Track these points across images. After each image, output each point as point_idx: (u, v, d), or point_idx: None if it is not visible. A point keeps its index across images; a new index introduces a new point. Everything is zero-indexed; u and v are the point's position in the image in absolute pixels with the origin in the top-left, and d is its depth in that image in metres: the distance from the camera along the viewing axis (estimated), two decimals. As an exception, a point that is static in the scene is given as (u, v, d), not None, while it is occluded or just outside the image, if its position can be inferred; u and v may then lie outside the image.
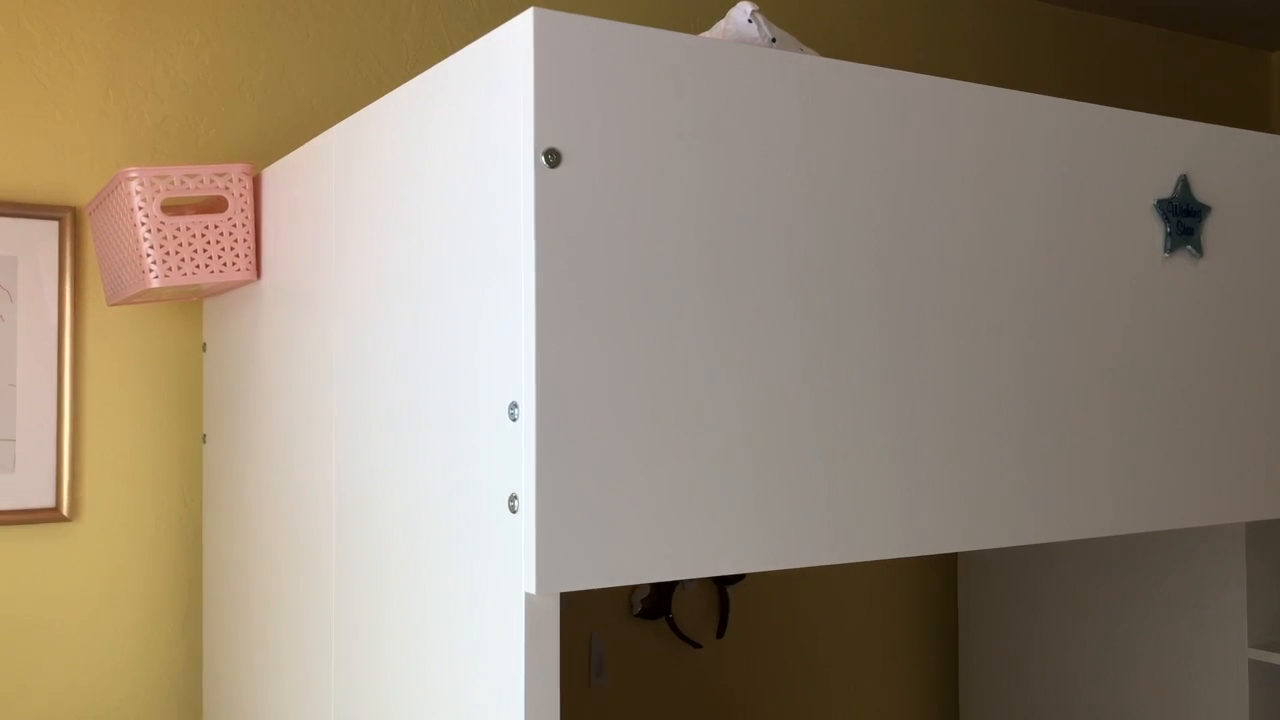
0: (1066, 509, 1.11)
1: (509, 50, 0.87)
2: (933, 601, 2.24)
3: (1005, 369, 1.07)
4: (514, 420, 0.86)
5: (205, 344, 1.61)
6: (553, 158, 0.85)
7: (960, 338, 1.05)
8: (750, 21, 1.05)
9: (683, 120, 0.91)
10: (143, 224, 1.30)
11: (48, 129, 1.56)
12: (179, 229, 1.32)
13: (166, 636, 1.61)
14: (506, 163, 0.87)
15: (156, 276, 1.31)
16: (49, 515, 1.54)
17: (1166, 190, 1.18)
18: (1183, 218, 1.18)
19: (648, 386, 0.89)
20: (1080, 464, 1.12)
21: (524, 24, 0.85)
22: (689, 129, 0.91)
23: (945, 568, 2.25)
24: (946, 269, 1.04)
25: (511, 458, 0.86)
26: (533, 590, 0.84)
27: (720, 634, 1.98)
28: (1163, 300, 1.18)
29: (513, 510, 0.86)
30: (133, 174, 1.30)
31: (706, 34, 1.09)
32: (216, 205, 1.37)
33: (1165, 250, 1.18)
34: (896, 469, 1.00)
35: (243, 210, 1.36)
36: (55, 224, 1.55)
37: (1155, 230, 1.18)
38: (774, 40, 1.05)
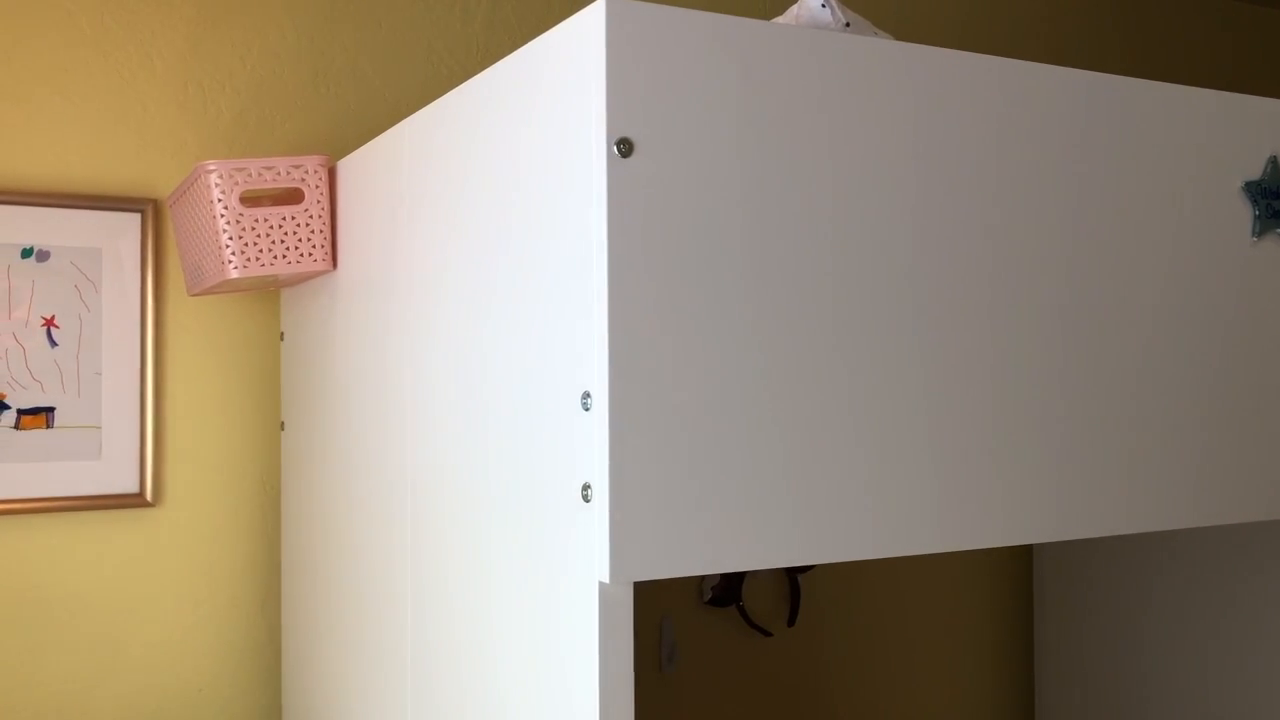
0: (1150, 499, 1.08)
1: (581, 40, 0.87)
2: (1007, 592, 2.21)
3: (1092, 356, 1.05)
4: (587, 410, 0.86)
5: (283, 333, 1.64)
6: (625, 147, 0.85)
7: (1045, 322, 1.03)
8: (824, 6, 1.04)
9: (756, 108, 0.90)
10: (222, 215, 1.33)
11: (129, 122, 1.59)
12: (257, 220, 1.34)
13: (247, 619, 1.65)
14: (579, 153, 0.87)
15: (236, 267, 1.34)
16: (133, 500, 1.58)
17: (1255, 172, 1.15)
18: (1273, 200, 1.15)
19: (721, 375, 0.88)
20: (1167, 453, 1.09)
21: (596, 13, 0.85)
22: (763, 116, 0.90)
23: (1020, 558, 2.22)
24: (1030, 254, 1.02)
25: (584, 447, 0.86)
26: (606, 580, 0.84)
27: (791, 623, 1.97)
28: (1251, 285, 1.14)
29: (586, 500, 0.86)
30: (212, 166, 1.32)
31: (779, 19, 1.08)
32: (293, 197, 1.39)
33: (1254, 234, 1.14)
34: (973, 461, 0.99)
35: (319, 201, 1.38)
36: (137, 216, 1.58)
37: (1243, 213, 1.14)
38: (848, 25, 1.04)
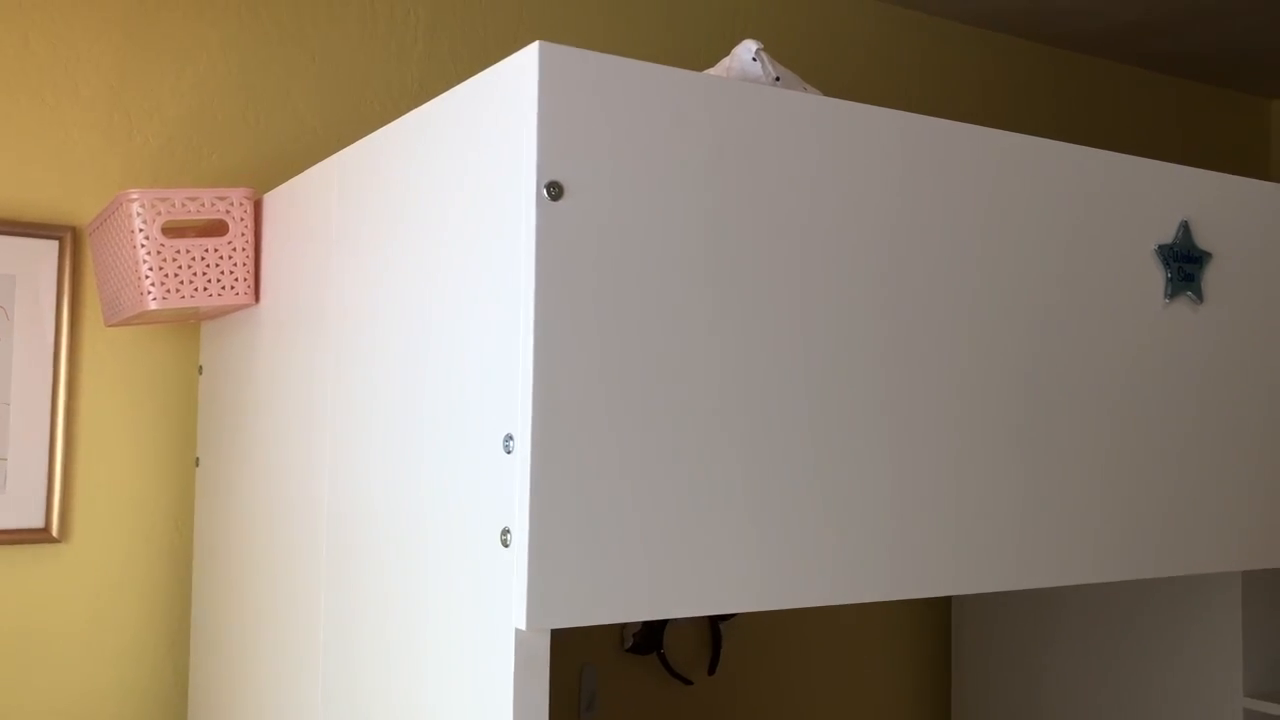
0: (1062, 554, 1.10)
1: (514, 82, 0.87)
2: (926, 641, 2.22)
3: (1003, 412, 1.07)
4: (509, 453, 0.85)
5: (201, 367, 1.60)
6: (555, 190, 0.85)
7: (958, 380, 1.04)
8: (755, 59, 1.05)
9: (686, 157, 0.91)
10: (143, 246, 1.30)
11: (51, 148, 1.56)
12: (179, 251, 1.32)
13: (154, 659, 1.59)
14: (508, 195, 0.87)
15: (155, 299, 1.31)
16: (38, 536, 1.53)
17: (1168, 236, 1.18)
18: (1184, 264, 1.18)
19: (645, 422, 0.88)
20: (1076, 509, 1.11)
21: (529, 57, 0.85)
22: (692, 165, 0.91)
23: (939, 608, 2.24)
24: (947, 311, 1.04)
25: (505, 491, 0.85)
26: (523, 626, 0.83)
27: (712, 671, 1.96)
28: (1163, 346, 1.18)
29: (505, 544, 0.85)
30: (134, 195, 1.30)
31: (711, 71, 1.09)
32: (217, 229, 1.37)
33: (1166, 296, 1.18)
34: (893, 511, 1.00)
35: (243, 234, 1.36)
36: (55, 243, 1.55)
37: (1156, 276, 1.17)
38: (778, 79, 1.05)
